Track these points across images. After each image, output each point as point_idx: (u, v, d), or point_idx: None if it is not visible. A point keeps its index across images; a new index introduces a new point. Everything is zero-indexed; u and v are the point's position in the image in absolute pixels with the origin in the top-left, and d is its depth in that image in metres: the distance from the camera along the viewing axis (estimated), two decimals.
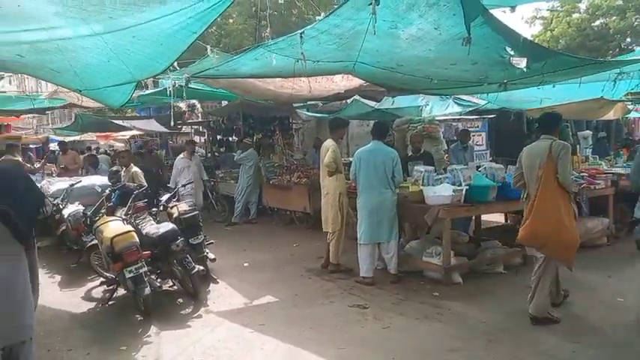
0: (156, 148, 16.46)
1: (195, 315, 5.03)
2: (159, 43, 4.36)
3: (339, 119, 7.24)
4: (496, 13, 5.10)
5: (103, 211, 5.96)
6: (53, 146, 18.50)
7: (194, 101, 14.05)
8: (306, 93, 8.09)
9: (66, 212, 6.89)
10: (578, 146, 10.90)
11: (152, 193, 7.54)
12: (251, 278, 6.19)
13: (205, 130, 16.07)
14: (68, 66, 5.17)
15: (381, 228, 5.75)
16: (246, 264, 6.87)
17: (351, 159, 7.31)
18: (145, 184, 7.31)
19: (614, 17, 22.19)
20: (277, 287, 5.78)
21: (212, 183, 10.82)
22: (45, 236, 7.62)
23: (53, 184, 8.28)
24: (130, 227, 5.26)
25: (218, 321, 4.83)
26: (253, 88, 7.89)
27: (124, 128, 17.60)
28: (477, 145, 12.55)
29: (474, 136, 11.75)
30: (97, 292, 5.82)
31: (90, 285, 6.07)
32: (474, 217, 7.10)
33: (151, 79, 6.95)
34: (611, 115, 10.57)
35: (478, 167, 6.78)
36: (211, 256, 6.19)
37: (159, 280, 5.52)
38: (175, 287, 5.71)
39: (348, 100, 10.70)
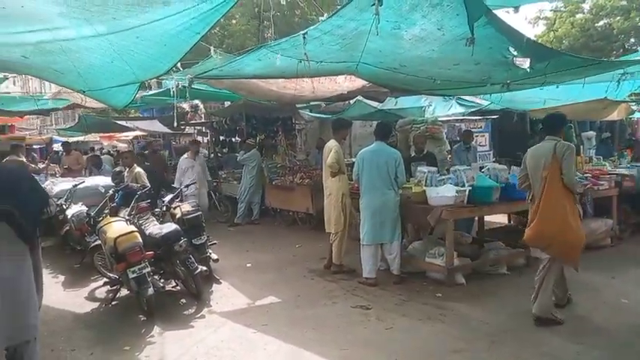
0: (159, 149, 16.50)
1: (198, 315, 5.04)
2: (162, 44, 4.37)
3: (341, 120, 7.25)
4: (499, 13, 5.08)
5: (106, 211, 5.97)
6: (57, 147, 18.58)
7: (197, 102, 14.05)
8: (309, 94, 8.09)
9: (69, 212, 6.92)
10: (581, 147, 10.88)
11: (154, 193, 7.55)
12: (254, 279, 6.19)
13: (208, 131, 16.10)
14: (72, 67, 5.19)
15: (384, 229, 5.74)
16: (248, 264, 6.88)
17: (353, 159, 7.32)
18: (148, 184, 7.33)
19: (618, 17, 22.11)
20: (280, 288, 5.78)
21: (215, 184, 10.84)
22: (48, 236, 7.64)
23: (57, 185, 8.31)
24: (133, 228, 5.27)
25: (221, 321, 4.84)
26: (256, 89, 7.90)
27: (127, 129, 17.65)
28: (480, 145, 12.51)
29: (477, 136, 11.71)
30: (101, 293, 5.83)
31: (93, 285, 6.09)
32: (477, 218, 7.08)
33: (155, 79, 6.96)
34: (614, 116, 10.52)
35: (481, 168, 6.76)
36: (214, 256, 6.21)
37: (162, 280, 5.54)
38: (178, 288, 5.72)
39: (351, 101, 10.68)
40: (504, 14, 7.16)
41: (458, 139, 10.70)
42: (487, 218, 7.42)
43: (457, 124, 13.04)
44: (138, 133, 19.02)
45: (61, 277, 6.58)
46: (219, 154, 14.22)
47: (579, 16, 24.03)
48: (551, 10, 24.74)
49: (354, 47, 4.91)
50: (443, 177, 6.16)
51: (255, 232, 9.32)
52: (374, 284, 5.70)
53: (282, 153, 11.19)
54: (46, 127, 27.73)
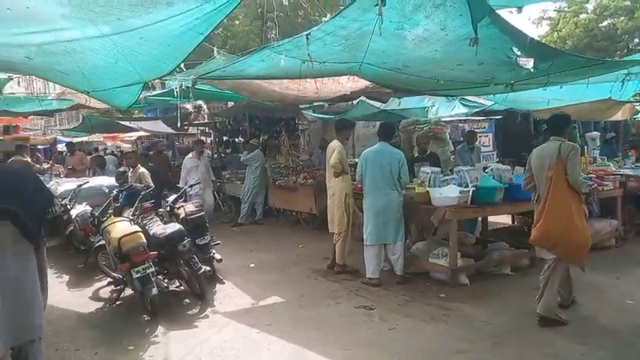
0: (164, 149, 16.55)
1: (202, 315, 5.04)
2: (166, 44, 4.39)
3: (345, 120, 7.25)
4: (503, 13, 5.09)
5: (110, 211, 5.99)
6: (61, 147, 18.64)
7: (200, 102, 14.09)
8: (312, 94, 8.10)
9: (74, 213, 6.94)
10: (585, 147, 10.83)
11: (157, 193, 7.56)
12: (257, 279, 6.20)
13: (211, 131, 16.12)
14: (76, 68, 5.21)
15: (388, 229, 5.74)
16: (252, 265, 6.89)
17: (356, 160, 7.31)
18: (152, 184, 7.35)
19: (622, 17, 22.04)
20: (283, 288, 5.78)
21: (218, 184, 10.86)
22: (53, 236, 7.68)
23: (61, 185, 8.35)
24: (137, 228, 5.29)
25: (225, 321, 4.84)
26: (259, 90, 7.91)
27: (131, 129, 17.70)
28: (484, 146, 12.51)
29: (480, 137, 11.71)
30: (105, 292, 5.85)
31: (97, 285, 6.11)
32: (480, 219, 7.07)
33: (158, 80, 6.99)
34: (619, 116, 10.49)
35: (485, 168, 6.74)
36: (218, 256, 6.22)
37: (166, 280, 5.56)
38: (182, 288, 5.73)
39: (354, 102, 10.69)
40: (508, 14, 7.17)
41: (461, 139, 10.68)
42: (491, 219, 7.40)
43: (460, 125, 13.04)
44: (141, 133, 19.07)
45: (66, 277, 6.61)
46: (222, 155, 14.25)
47: (583, 16, 23.96)
48: (554, 11, 24.70)
49: (357, 48, 4.91)
50: (446, 177, 6.15)
51: (258, 232, 9.33)
52: (377, 284, 5.69)
53: (286, 153, 11.20)
54: (50, 127, 27.81)
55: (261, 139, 11.93)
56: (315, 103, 10.58)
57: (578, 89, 7.18)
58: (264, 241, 8.45)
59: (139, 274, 4.85)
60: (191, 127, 19.07)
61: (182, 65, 5.27)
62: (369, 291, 5.56)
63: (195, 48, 4.40)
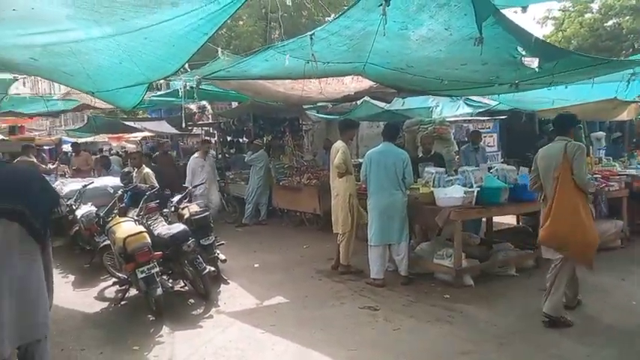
0: (169, 150, 16.58)
1: (207, 315, 5.05)
2: (170, 45, 4.39)
3: (349, 120, 7.24)
4: (507, 13, 5.05)
5: (115, 211, 6.01)
6: (66, 147, 18.71)
7: (204, 103, 14.11)
8: (316, 95, 8.09)
9: (79, 213, 6.96)
10: (591, 147, 10.78)
11: (162, 193, 7.58)
12: (261, 279, 6.20)
13: (216, 132, 16.14)
14: (81, 68, 5.22)
15: (392, 229, 5.73)
16: (256, 265, 6.89)
17: (361, 160, 7.31)
18: (157, 185, 7.37)
19: (628, 17, 21.88)
20: (287, 288, 5.78)
21: (223, 184, 10.87)
22: (58, 236, 7.70)
23: (66, 185, 8.38)
24: (142, 228, 5.30)
25: (229, 321, 4.85)
26: (263, 90, 7.91)
27: (136, 129, 17.74)
28: (489, 146, 12.43)
29: (485, 137, 11.64)
30: (110, 292, 5.87)
31: (102, 285, 6.13)
32: (485, 219, 7.05)
33: (163, 80, 7.00)
34: (624, 116, 10.42)
35: (489, 168, 6.73)
36: (222, 257, 6.22)
37: (170, 280, 5.57)
38: (187, 288, 5.74)
39: (358, 102, 10.67)
40: (512, 14, 7.13)
41: (466, 139, 10.63)
42: (495, 219, 7.38)
43: (465, 125, 12.97)
44: (146, 133, 19.11)
45: (71, 277, 6.63)
46: (226, 155, 14.26)
47: (588, 15, 23.82)
48: (559, 10, 24.55)
49: (362, 48, 4.91)
50: (451, 178, 6.13)
51: (262, 232, 9.33)
52: (382, 285, 5.69)
53: (290, 154, 11.19)
54: (55, 127, 27.91)
55: (265, 139, 11.93)
56: (319, 104, 10.56)
57: (583, 89, 7.14)
58: (268, 241, 8.45)
59: (143, 275, 4.87)
60: (195, 128, 19.10)
61: (186, 66, 5.28)
62: (373, 291, 5.56)
63: (200, 48, 4.40)
